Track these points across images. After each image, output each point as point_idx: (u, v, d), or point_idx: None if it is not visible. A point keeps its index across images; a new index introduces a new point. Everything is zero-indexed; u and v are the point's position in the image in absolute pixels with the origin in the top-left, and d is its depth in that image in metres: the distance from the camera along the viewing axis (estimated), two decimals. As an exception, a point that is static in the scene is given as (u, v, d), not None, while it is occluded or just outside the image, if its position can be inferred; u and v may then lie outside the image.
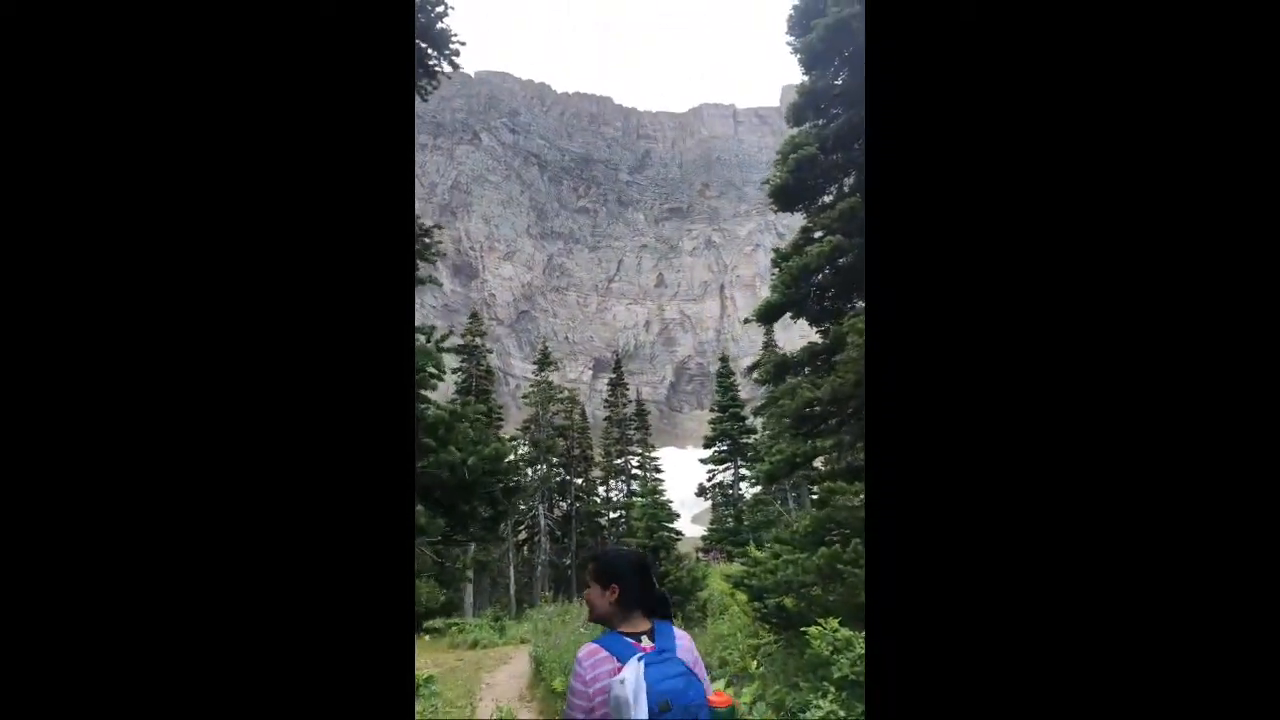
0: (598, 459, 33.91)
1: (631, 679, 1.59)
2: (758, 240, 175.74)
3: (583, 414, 35.34)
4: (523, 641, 15.71)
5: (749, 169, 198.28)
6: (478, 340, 28.22)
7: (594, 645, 1.72)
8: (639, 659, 1.64)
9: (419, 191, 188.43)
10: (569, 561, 29.85)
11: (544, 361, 32.58)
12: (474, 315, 30.09)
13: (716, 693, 1.70)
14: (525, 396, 32.81)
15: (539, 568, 28.69)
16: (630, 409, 35.87)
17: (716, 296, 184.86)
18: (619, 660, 1.66)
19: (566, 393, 33.03)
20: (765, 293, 8.73)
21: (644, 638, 1.73)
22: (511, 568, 27.90)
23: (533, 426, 30.65)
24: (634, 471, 35.05)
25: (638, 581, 1.80)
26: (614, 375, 36.68)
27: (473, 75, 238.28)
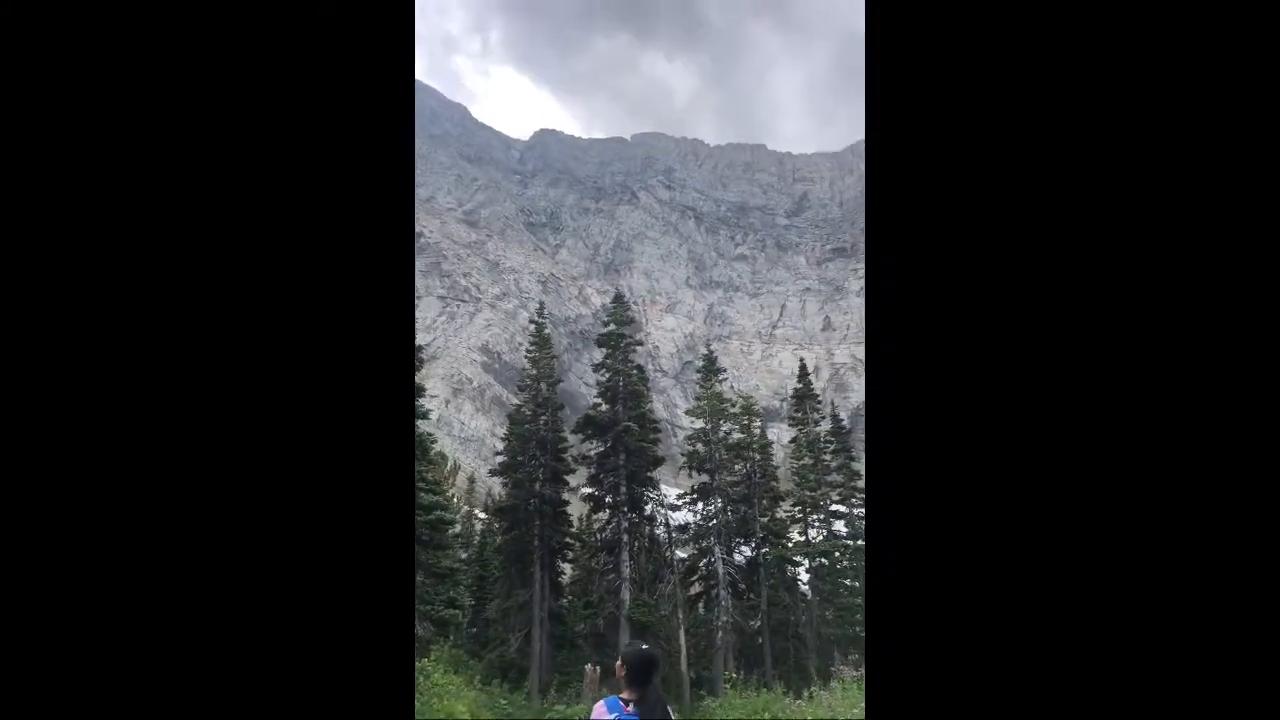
0: (785, 489, 26.12)
1: None
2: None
3: (762, 431, 27.87)
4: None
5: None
6: (624, 330, 22.27)
7: (601, 703, 2.96)
8: (618, 717, 2.90)
9: (583, 253, 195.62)
10: (758, 624, 22.07)
11: (710, 369, 25.85)
12: (617, 298, 24.16)
13: None
14: (690, 411, 26.26)
15: (719, 632, 21.23)
16: (825, 425, 27.84)
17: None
18: (609, 712, 2.90)
19: (741, 403, 25.84)
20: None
21: (632, 704, 2.94)
22: (682, 631, 20.65)
23: (700, 444, 23.74)
24: (834, 507, 26.77)
25: (635, 665, 3.07)
26: (799, 386, 29.02)
27: (629, 139, 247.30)
